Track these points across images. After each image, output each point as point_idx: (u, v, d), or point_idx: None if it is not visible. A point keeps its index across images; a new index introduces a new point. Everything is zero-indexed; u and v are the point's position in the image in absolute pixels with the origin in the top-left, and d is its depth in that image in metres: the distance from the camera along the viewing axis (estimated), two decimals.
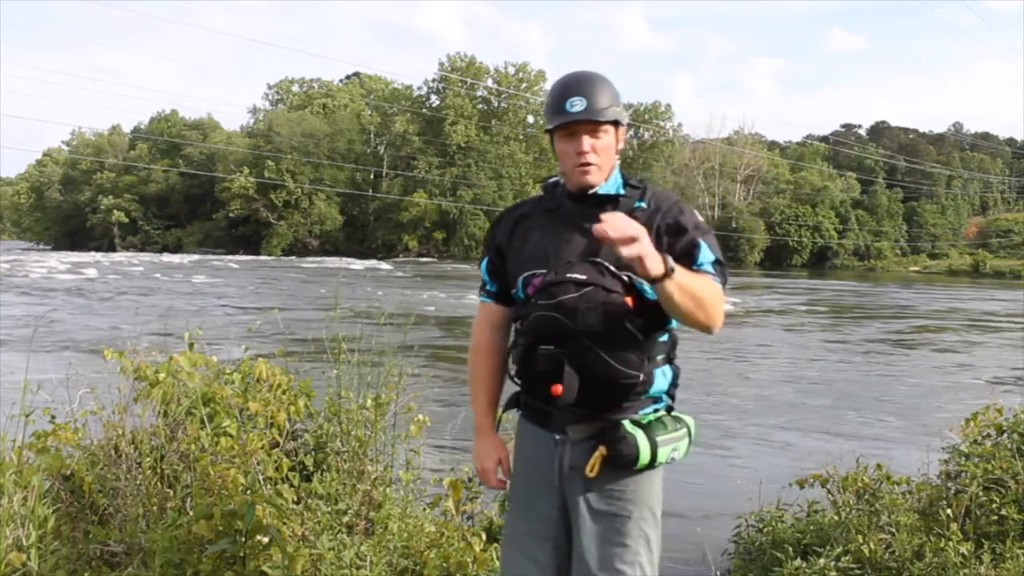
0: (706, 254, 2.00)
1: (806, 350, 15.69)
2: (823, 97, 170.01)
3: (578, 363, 1.95)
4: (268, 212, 65.42)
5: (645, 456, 1.99)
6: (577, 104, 2.01)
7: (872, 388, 11.60)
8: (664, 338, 2.08)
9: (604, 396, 1.98)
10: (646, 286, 1.96)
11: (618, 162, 2.12)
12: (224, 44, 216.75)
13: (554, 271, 2.00)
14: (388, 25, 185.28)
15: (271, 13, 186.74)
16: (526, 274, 2.08)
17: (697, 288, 1.88)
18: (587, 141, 2.02)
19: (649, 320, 1.99)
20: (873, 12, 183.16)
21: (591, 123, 2.02)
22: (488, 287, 2.26)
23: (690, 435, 2.09)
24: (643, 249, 1.75)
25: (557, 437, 2.06)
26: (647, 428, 2.02)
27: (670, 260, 1.81)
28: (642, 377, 1.98)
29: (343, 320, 3.85)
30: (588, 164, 2.03)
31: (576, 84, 2.05)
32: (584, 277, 1.96)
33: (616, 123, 2.06)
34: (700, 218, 2.08)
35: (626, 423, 2.01)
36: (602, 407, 2.01)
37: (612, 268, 1.97)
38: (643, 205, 2.07)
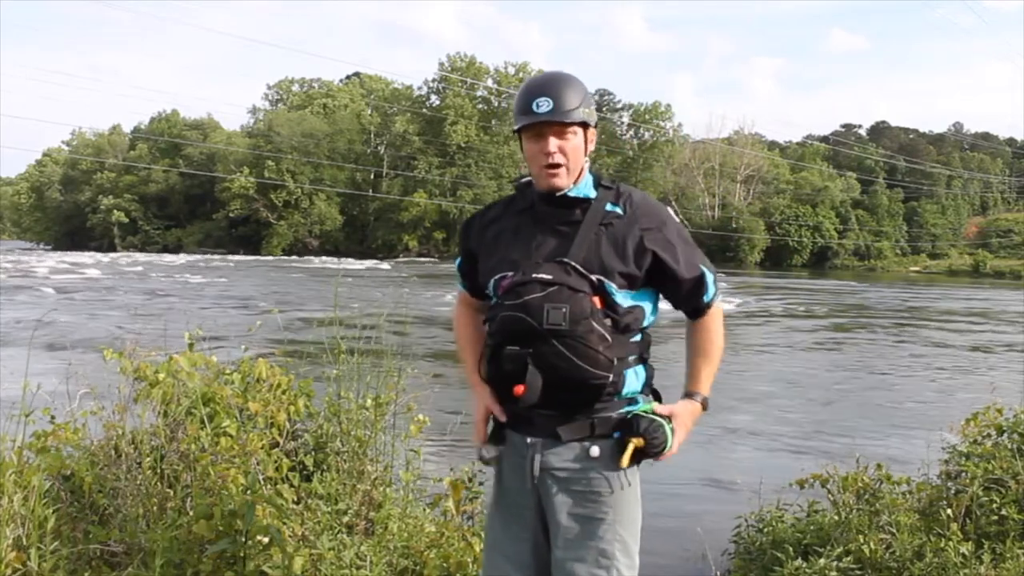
0: (709, 277, 2.10)
1: (806, 350, 15.69)
2: (823, 97, 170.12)
3: (543, 363, 1.93)
4: (268, 212, 65.45)
5: (671, 442, 2.00)
6: (544, 105, 1.98)
7: (872, 388, 11.60)
8: (637, 338, 2.07)
9: (572, 397, 1.97)
10: (615, 290, 1.99)
11: (587, 163, 2.10)
12: (224, 44, 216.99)
13: (522, 271, 2.00)
14: (388, 25, 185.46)
15: (271, 13, 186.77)
16: (497, 276, 2.08)
17: (718, 362, 2.14)
18: (554, 142, 2.01)
19: (619, 321, 1.99)
20: (873, 12, 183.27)
21: (558, 124, 2.01)
22: (463, 283, 2.32)
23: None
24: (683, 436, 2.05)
25: (529, 440, 2.05)
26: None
27: (707, 406, 2.12)
28: (611, 378, 1.96)
29: (343, 320, 3.85)
30: (555, 166, 2.02)
31: (544, 84, 2.04)
32: (549, 277, 1.95)
33: (585, 124, 2.04)
34: (678, 220, 2.11)
35: (644, 412, 2.01)
36: (571, 408, 1.99)
37: (579, 268, 1.97)
38: (617, 210, 2.05)
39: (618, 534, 2.04)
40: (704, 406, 2.11)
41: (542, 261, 2.00)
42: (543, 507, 2.08)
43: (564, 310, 1.91)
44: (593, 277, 1.97)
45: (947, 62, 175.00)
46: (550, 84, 2.03)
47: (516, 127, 2.06)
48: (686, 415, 2.06)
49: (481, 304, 2.28)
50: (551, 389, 1.94)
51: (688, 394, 2.11)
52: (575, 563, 2.01)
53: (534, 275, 1.97)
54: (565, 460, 2.03)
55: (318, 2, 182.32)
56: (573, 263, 1.97)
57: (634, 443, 1.97)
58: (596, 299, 1.96)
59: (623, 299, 2.01)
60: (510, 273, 2.03)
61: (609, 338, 1.95)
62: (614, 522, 2.04)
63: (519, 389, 1.95)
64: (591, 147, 2.09)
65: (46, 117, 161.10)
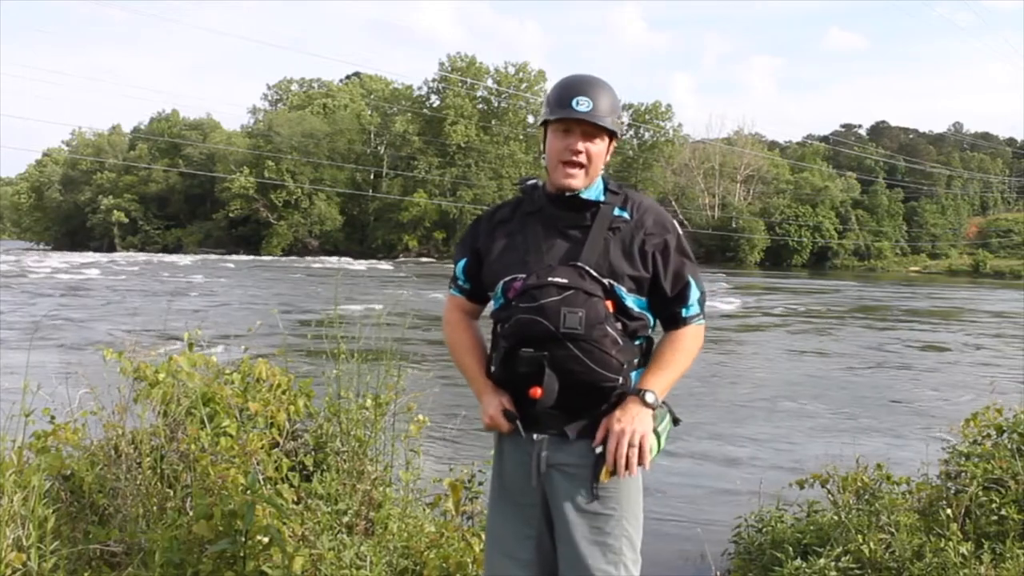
0: (694, 292, 2.11)
1: (805, 350, 15.69)
2: (823, 97, 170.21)
3: (559, 366, 1.95)
4: (268, 212, 65.43)
5: (656, 448, 2.01)
6: (583, 104, 2.03)
7: (871, 388, 11.59)
8: (640, 342, 2.10)
9: (583, 399, 1.99)
10: (625, 293, 2.02)
11: (602, 172, 2.13)
12: (224, 44, 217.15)
13: (535, 274, 2.01)
14: (388, 25, 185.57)
15: (271, 13, 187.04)
16: (507, 278, 2.08)
17: (677, 374, 2.08)
18: (581, 143, 2.05)
19: (628, 326, 2.03)
20: (872, 12, 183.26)
21: (590, 126, 2.05)
22: (461, 283, 2.27)
23: (670, 414, 2.10)
24: (637, 439, 1.95)
25: (535, 437, 2.06)
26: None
27: (648, 397, 1.99)
28: (620, 380, 1.99)
29: (343, 320, 3.85)
30: (576, 165, 2.06)
31: (585, 84, 2.08)
32: (565, 281, 1.97)
33: (612, 134, 2.09)
34: (679, 230, 2.14)
35: None
36: (581, 410, 2.01)
37: (593, 272, 2.00)
38: (625, 215, 2.09)
39: (625, 529, 2.06)
40: (645, 400, 1.98)
41: (555, 264, 2.02)
42: (548, 503, 2.09)
43: (580, 314, 1.94)
44: (605, 281, 2.00)
45: (947, 62, 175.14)
46: (591, 86, 2.08)
47: (549, 118, 2.08)
48: (623, 416, 1.97)
49: (476, 309, 2.29)
50: (563, 391, 1.97)
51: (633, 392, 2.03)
52: (583, 559, 2.03)
53: (549, 279, 1.98)
54: (572, 456, 2.05)
55: (318, 2, 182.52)
56: (586, 267, 2.00)
57: (607, 470, 1.99)
58: (609, 303, 2.00)
59: (633, 304, 2.04)
60: (522, 276, 2.04)
61: (620, 342, 1.99)
62: (621, 518, 2.06)
63: (537, 392, 1.97)
64: (608, 157, 2.13)
65: (46, 117, 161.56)
